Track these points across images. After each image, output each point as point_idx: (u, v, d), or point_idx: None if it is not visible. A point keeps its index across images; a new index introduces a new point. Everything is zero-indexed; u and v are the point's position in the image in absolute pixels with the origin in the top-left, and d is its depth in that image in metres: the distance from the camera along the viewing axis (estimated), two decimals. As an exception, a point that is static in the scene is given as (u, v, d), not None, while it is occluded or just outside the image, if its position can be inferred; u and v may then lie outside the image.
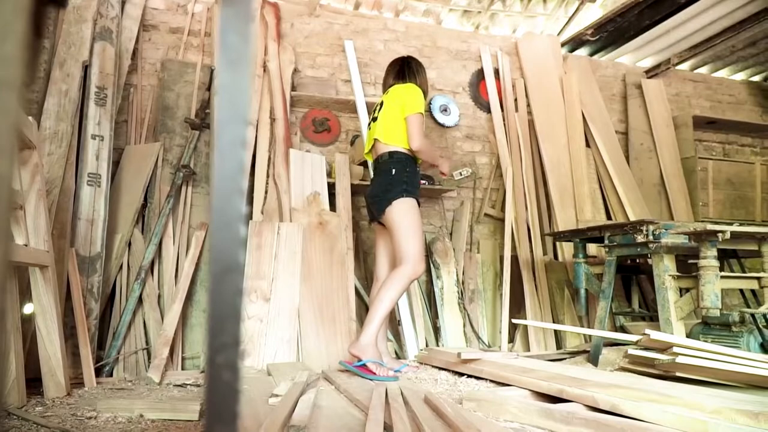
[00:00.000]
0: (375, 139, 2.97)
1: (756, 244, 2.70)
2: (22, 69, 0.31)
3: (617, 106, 4.90)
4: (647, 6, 4.05)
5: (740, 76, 5.37)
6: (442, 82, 4.41)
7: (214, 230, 0.41)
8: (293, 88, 3.87)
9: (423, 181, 3.43)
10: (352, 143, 4.02)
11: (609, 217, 4.31)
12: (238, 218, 0.42)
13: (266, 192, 3.53)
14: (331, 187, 3.65)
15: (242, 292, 0.40)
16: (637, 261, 3.59)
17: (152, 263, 3.19)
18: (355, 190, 3.74)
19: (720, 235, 2.47)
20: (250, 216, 3.45)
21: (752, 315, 2.75)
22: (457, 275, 3.82)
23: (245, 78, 0.43)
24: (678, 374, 2.17)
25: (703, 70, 5.25)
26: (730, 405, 1.50)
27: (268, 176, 3.56)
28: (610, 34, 4.50)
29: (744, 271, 3.66)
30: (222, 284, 0.40)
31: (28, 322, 2.26)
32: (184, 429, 1.76)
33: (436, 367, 2.92)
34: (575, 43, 4.69)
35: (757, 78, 5.38)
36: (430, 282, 3.89)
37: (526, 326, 3.79)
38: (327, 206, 3.53)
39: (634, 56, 4.96)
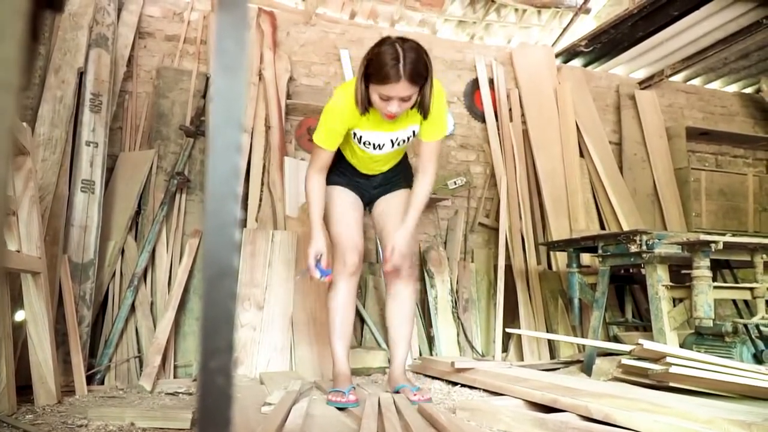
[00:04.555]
0: None
1: (748, 255, 2.72)
2: (19, 71, 0.31)
3: (611, 116, 4.92)
4: (641, 18, 4.08)
5: (733, 87, 5.42)
6: (437, 92, 4.43)
7: (208, 234, 0.41)
8: (288, 97, 3.88)
9: None
10: (347, 152, 4.02)
11: (603, 227, 4.32)
12: (232, 222, 0.42)
13: (261, 200, 3.52)
14: (326, 196, 3.64)
15: (236, 297, 0.40)
16: (631, 271, 3.60)
17: (145, 271, 3.17)
18: (350, 199, 3.73)
19: (713, 245, 2.48)
20: (244, 224, 3.45)
21: (745, 325, 2.76)
22: (451, 284, 3.82)
23: (240, 83, 0.43)
24: (671, 384, 2.17)
25: (696, 81, 5.29)
26: (722, 415, 1.50)
27: (262, 184, 3.55)
28: (604, 45, 4.53)
29: (737, 282, 3.67)
30: (216, 288, 0.40)
31: (19, 328, 2.25)
32: (176, 437, 1.75)
33: (430, 377, 2.91)
34: (569, 53, 4.71)
35: (749, 90, 5.42)
36: (424, 291, 3.88)
37: (519, 336, 3.79)
38: (321, 214, 3.52)
39: (628, 67, 4.99)
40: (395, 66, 2.00)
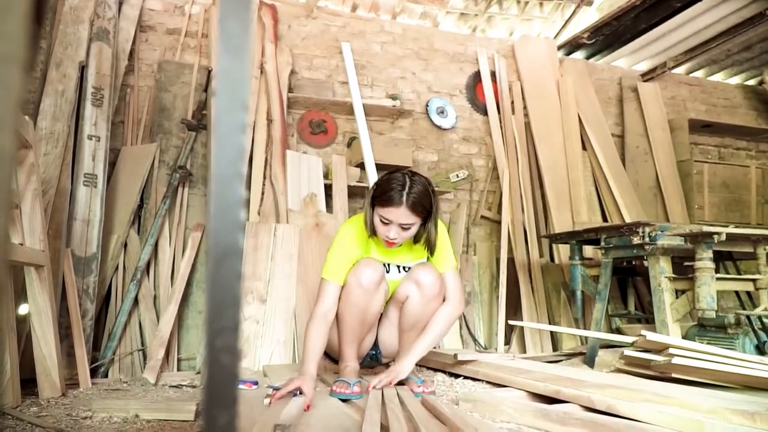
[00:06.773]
0: None
1: (751, 246, 2.71)
2: (24, 45, 0.31)
3: (613, 109, 4.91)
4: (643, 10, 4.06)
5: (735, 79, 5.40)
6: (438, 85, 4.42)
7: (213, 215, 0.41)
8: (290, 90, 3.88)
9: None
10: (349, 145, 4.02)
11: (605, 219, 4.32)
12: (237, 203, 0.42)
13: (263, 193, 3.52)
14: (328, 189, 3.65)
15: (241, 276, 0.41)
16: (633, 263, 3.60)
17: (148, 264, 3.18)
18: (352, 192, 3.73)
19: (715, 236, 2.48)
20: (246, 217, 3.45)
21: (747, 317, 2.76)
22: (453, 277, 3.81)
23: (245, 64, 0.43)
24: (674, 375, 2.18)
25: (699, 73, 5.27)
26: (725, 405, 1.50)
27: (264, 178, 3.55)
28: (607, 37, 4.52)
29: (739, 273, 3.67)
30: (221, 269, 0.40)
31: (23, 322, 2.25)
32: (180, 429, 1.75)
33: (432, 369, 2.91)
34: (572, 46, 4.70)
35: (752, 82, 5.40)
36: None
37: (522, 328, 3.79)
38: (323, 208, 3.52)
39: (630, 60, 4.98)
40: (400, 191, 2.06)
